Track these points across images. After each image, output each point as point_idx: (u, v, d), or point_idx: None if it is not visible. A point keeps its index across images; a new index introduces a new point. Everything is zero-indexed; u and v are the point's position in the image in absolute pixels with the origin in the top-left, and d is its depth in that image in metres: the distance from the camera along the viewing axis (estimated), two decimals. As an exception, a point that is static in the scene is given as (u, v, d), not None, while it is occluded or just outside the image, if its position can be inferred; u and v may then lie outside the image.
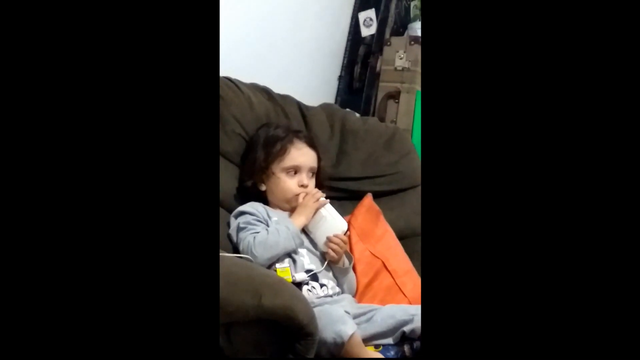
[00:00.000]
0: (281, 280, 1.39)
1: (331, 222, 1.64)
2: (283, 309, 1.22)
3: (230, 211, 1.76)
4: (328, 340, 1.33)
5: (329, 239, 1.63)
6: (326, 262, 1.64)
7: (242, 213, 1.67)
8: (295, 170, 1.70)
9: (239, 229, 1.63)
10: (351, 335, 1.35)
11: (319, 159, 1.77)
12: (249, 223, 1.63)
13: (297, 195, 1.68)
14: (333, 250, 1.63)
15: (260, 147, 1.72)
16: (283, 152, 1.69)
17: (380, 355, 1.43)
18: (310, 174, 1.73)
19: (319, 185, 1.75)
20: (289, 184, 1.69)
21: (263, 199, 1.73)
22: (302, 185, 1.68)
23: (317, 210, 1.65)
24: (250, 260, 1.51)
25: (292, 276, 1.54)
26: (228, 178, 1.78)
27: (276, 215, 1.68)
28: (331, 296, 1.59)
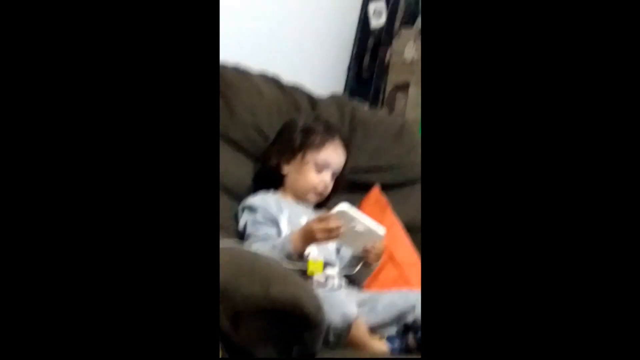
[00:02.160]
0: (288, 271, 1.39)
1: (368, 235, 1.55)
2: (290, 299, 1.21)
3: (238, 199, 1.77)
4: (335, 323, 1.34)
5: (368, 250, 1.58)
6: (360, 264, 1.61)
7: (252, 209, 1.65)
8: (324, 167, 1.68)
9: (246, 229, 1.63)
10: (355, 318, 1.38)
11: (346, 163, 1.74)
12: (256, 223, 1.62)
13: (314, 191, 1.67)
14: (372, 259, 1.59)
15: (298, 131, 1.70)
16: (321, 145, 1.67)
17: (385, 346, 1.44)
18: (333, 176, 1.71)
19: (335, 186, 1.73)
20: (313, 177, 1.67)
21: (279, 182, 1.72)
22: (324, 181, 1.67)
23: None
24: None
25: (324, 272, 1.51)
26: (236, 166, 1.80)
27: (288, 210, 1.66)
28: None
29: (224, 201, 1.74)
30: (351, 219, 1.50)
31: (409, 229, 1.92)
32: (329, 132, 1.70)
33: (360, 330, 1.41)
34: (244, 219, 1.66)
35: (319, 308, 1.25)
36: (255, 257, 1.43)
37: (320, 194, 1.70)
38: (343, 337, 1.36)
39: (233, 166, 1.78)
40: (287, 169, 1.71)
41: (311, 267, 1.47)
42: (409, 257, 1.85)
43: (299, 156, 1.68)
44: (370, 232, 1.53)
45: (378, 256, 1.59)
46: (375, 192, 1.88)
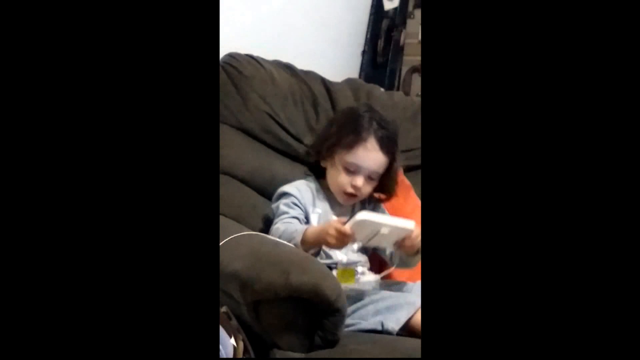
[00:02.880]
0: (308, 257, 1.40)
1: (397, 232, 1.49)
2: (311, 286, 1.23)
3: (255, 189, 1.78)
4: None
5: (401, 244, 1.50)
6: (398, 258, 1.57)
7: (286, 195, 1.62)
8: (355, 169, 1.59)
9: (275, 215, 1.62)
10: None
11: (392, 164, 1.64)
12: (286, 206, 1.60)
13: (343, 192, 1.61)
14: (409, 250, 1.52)
15: (336, 127, 1.64)
16: (350, 147, 1.58)
17: None
18: (369, 178, 1.62)
19: (381, 188, 1.68)
20: (343, 179, 1.60)
21: (321, 173, 1.68)
22: (354, 186, 1.59)
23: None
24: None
25: (356, 279, 1.49)
26: (251, 155, 1.81)
27: (321, 208, 1.64)
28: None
29: (241, 191, 1.77)
30: (373, 224, 1.45)
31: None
32: (366, 132, 1.59)
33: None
34: (276, 204, 1.63)
35: (339, 294, 1.26)
36: (275, 245, 1.45)
37: (351, 196, 1.63)
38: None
39: (248, 155, 1.80)
40: (324, 164, 1.66)
41: (343, 277, 1.45)
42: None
43: (330, 155, 1.63)
44: (398, 230, 1.48)
45: (414, 246, 1.50)
46: (399, 175, 1.85)
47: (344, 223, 1.42)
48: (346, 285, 1.41)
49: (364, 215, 1.44)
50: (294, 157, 1.87)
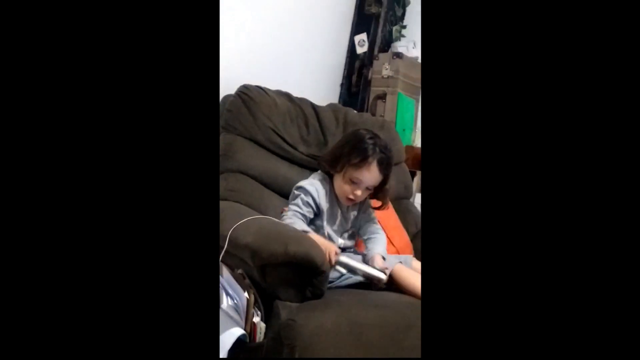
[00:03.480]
0: (302, 234, 1.42)
1: (367, 276, 1.47)
2: (303, 254, 1.26)
3: (262, 184, 1.80)
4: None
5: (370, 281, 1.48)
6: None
7: (300, 188, 1.61)
8: (357, 182, 1.58)
9: (290, 204, 1.61)
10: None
11: (385, 181, 1.62)
12: (300, 201, 1.58)
13: (345, 197, 1.60)
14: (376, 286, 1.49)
15: (348, 146, 1.59)
16: (356, 167, 1.56)
17: None
18: (366, 189, 1.61)
19: (375, 195, 1.66)
20: (346, 189, 1.59)
21: (331, 177, 1.65)
22: (354, 195, 1.59)
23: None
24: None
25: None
26: (260, 160, 1.84)
27: (330, 205, 1.63)
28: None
29: (252, 185, 1.80)
30: (350, 268, 1.46)
31: (393, 200, 1.94)
32: (371, 157, 1.56)
33: (403, 273, 1.44)
34: (296, 194, 1.61)
35: (324, 260, 1.29)
36: (277, 224, 1.48)
37: (351, 200, 1.61)
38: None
39: (257, 159, 1.82)
40: (334, 173, 1.63)
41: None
42: (392, 222, 1.84)
43: (340, 168, 1.59)
44: (370, 276, 1.46)
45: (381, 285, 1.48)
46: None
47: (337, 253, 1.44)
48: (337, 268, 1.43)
49: (344, 258, 1.46)
50: (291, 160, 1.90)
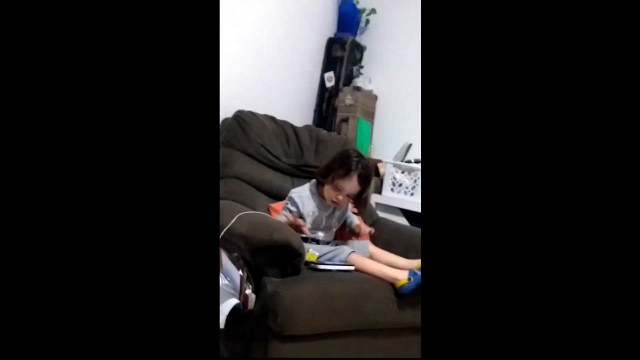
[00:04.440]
0: (283, 224, 1.40)
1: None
2: (285, 241, 1.26)
3: (253, 187, 1.77)
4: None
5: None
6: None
7: (289, 197, 1.60)
8: (340, 190, 1.55)
9: (283, 207, 1.59)
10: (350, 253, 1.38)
11: (363, 191, 1.58)
12: (285, 208, 1.58)
13: (330, 201, 1.57)
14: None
15: (338, 162, 1.57)
16: (341, 177, 1.54)
17: (400, 273, 1.32)
18: (347, 196, 1.57)
19: (355, 202, 1.63)
20: (331, 193, 1.57)
21: (321, 184, 1.62)
22: (337, 199, 1.56)
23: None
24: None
25: (318, 257, 1.43)
26: (253, 169, 1.80)
27: (314, 205, 1.60)
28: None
29: (245, 188, 1.75)
30: (326, 269, 1.36)
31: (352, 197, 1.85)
32: (353, 171, 1.53)
33: (357, 259, 1.38)
34: (285, 202, 1.60)
35: (301, 245, 1.28)
36: (265, 217, 1.43)
37: (334, 203, 1.58)
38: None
39: (249, 167, 1.80)
40: (324, 181, 1.60)
41: (309, 256, 1.41)
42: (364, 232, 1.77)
43: (329, 178, 1.57)
44: (342, 271, 1.36)
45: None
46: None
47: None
48: (311, 259, 1.39)
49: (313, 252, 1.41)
50: (275, 168, 1.86)
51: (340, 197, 1.57)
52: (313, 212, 1.60)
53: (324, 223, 1.63)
